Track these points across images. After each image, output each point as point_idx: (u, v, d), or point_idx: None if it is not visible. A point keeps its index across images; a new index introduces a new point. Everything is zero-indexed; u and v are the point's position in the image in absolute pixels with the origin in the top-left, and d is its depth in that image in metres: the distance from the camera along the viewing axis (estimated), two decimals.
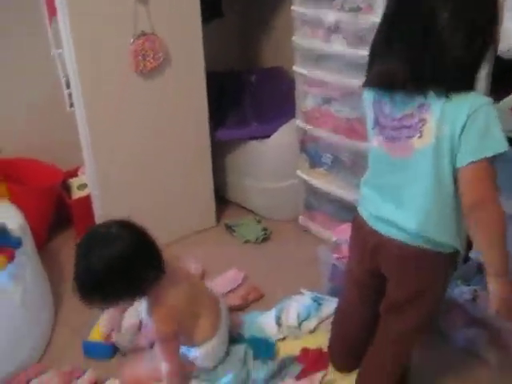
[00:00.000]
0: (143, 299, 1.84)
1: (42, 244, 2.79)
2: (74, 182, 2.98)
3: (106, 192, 2.60)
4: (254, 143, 2.98)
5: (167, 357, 1.84)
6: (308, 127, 2.72)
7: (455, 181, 1.46)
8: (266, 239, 2.92)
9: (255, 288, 2.49)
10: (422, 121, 1.45)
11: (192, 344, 1.96)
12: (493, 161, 1.41)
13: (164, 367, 1.84)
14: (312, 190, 2.87)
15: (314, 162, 2.82)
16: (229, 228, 3.01)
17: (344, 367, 2.01)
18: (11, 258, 2.08)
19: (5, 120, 2.83)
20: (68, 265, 2.74)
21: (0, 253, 2.04)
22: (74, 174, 3.04)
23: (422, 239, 1.54)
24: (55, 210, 2.94)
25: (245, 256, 2.78)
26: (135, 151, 2.61)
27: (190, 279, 2.02)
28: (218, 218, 3.08)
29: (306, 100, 2.72)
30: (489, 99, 1.43)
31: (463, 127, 1.39)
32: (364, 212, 1.69)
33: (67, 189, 2.97)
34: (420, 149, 1.47)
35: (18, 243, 2.16)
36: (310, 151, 2.83)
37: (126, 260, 1.70)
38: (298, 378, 1.96)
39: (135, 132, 2.58)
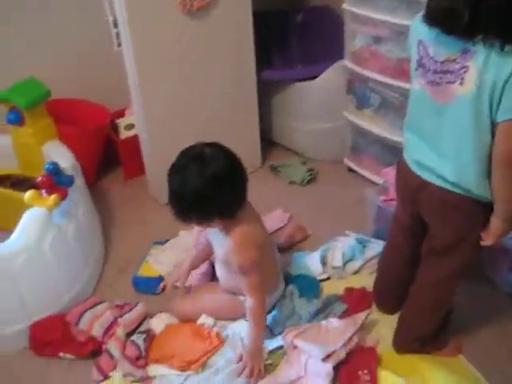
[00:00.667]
0: (223, 230, 1.87)
1: (92, 183, 2.86)
2: (122, 123, 3.01)
3: (152, 132, 2.62)
4: (300, 84, 2.94)
5: (255, 288, 1.85)
6: (356, 68, 2.67)
7: (493, 134, 1.44)
8: (311, 180, 2.92)
9: (301, 228, 2.52)
10: (465, 68, 1.42)
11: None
12: None
13: (249, 302, 1.86)
14: (358, 132, 2.84)
15: (362, 104, 2.78)
16: (274, 169, 3.02)
17: (388, 308, 2.05)
18: (64, 196, 2.14)
19: (54, 61, 2.87)
20: (116, 203, 2.84)
21: (54, 191, 2.10)
22: (121, 114, 3.07)
23: (460, 188, 1.56)
24: (104, 150, 2.99)
25: (290, 197, 2.79)
26: (182, 91, 2.61)
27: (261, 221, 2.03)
28: (264, 159, 3.09)
29: (355, 40, 2.65)
30: None
31: (507, 81, 1.35)
32: (407, 156, 1.70)
33: (115, 129, 3.02)
34: (460, 96, 1.45)
35: (70, 182, 2.21)
36: (357, 92, 2.78)
37: (222, 179, 1.75)
38: (342, 317, 2.00)
39: (182, 72, 2.57)
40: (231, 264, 1.87)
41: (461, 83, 1.44)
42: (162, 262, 2.29)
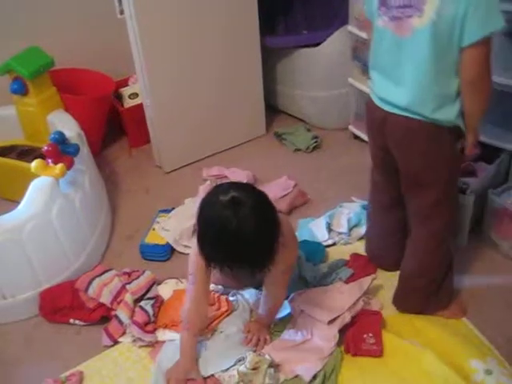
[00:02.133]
0: None
1: (97, 152, 2.86)
2: (126, 92, 3.01)
3: (156, 99, 2.62)
4: (304, 51, 2.92)
5: (284, 288, 1.83)
6: (361, 33, 2.64)
7: (454, 60, 1.54)
8: (316, 148, 2.92)
9: (302, 192, 2.53)
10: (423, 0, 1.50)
11: None
12: (490, 40, 1.50)
13: (276, 299, 1.84)
14: (363, 98, 2.82)
15: (367, 70, 2.75)
16: (279, 136, 3.01)
17: (384, 262, 2.10)
18: (70, 165, 2.15)
19: (58, 31, 2.85)
20: (122, 172, 2.85)
21: (60, 160, 2.11)
22: (125, 83, 3.07)
23: (421, 115, 1.63)
24: (108, 119, 2.99)
25: (295, 164, 2.79)
26: (186, 59, 2.60)
27: None
28: (268, 126, 3.08)
29: (359, 5, 2.61)
30: None
31: (468, 6, 1.44)
32: (373, 94, 1.79)
33: (119, 98, 3.01)
34: (419, 28, 1.53)
35: (76, 151, 2.22)
36: (362, 58, 2.75)
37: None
38: (348, 281, 2.01)
39: (185, 39, 2.55)
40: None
41: (419, 15, 1.51)
42: (168, 229, 2.30)
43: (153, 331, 1.92)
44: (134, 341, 1.91)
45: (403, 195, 1.88)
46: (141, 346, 1.90)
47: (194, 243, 1.62)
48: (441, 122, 1.64)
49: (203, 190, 2.20)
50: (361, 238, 2.26)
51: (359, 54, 2.75)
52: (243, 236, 1.46)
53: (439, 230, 1.83)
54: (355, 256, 2.15)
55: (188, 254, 2.21)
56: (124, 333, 1.93)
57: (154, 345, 1.90)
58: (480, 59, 1.52)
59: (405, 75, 1.63)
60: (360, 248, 2.21)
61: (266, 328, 1.89)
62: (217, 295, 1.97)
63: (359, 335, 1.81)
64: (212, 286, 2.01)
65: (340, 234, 2.26)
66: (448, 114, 1.63)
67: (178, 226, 2.30)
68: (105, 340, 1.92)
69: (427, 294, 1.91)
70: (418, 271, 1.89)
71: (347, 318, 1.84)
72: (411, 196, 1.84)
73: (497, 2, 1.48)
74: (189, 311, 1.76)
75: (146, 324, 1.92)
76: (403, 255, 1.93)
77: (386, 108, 1.71)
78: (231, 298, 1.99)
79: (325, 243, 2.24)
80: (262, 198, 1.55)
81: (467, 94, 1.59)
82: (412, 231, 1.90)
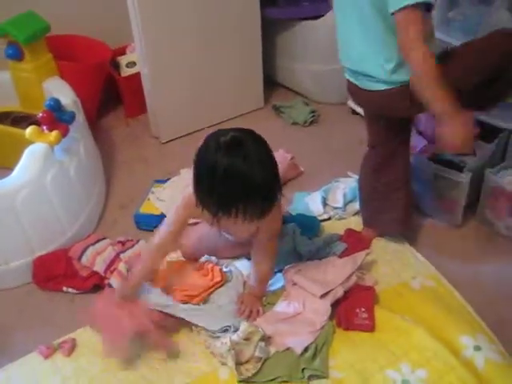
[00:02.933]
0: None
1: (93, 121, 2.84)
2: (123, 60, 2.97)
3: (154, 68, 2.59)
4: (305, 23, 2.88)
5: (272, 256, 1.85)
6: None
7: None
8: (313, 122, 2.90)
9: (294, 165, 2.52)
10: None
11: None
12: (419, 11, 1.55)
13: (263, 268, 1.85)
14: None
15: None
16: (277, 110, 2.99)
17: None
18: (65, 133, 2.13)
19: None
20: (118, 141, 2.83)
21: (55, 127, 2.09)
22: (122, 51, 3.03)
23: (367, 79, 1.76)
24: (105, 88, 2.95)
25: (292, 138, 2.78)
26: (184, 28, 2.56)
27: None
28: (267, 99, 3.05)
29: None
30: None
31: None
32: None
33: (116, 67, 2.97)
34: None
35: (71, 118, 2.20)
36: None
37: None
38: (341, 256, 2.01)
39: (184, 7, 2.51)
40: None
41: None
42: (162, 199, 2.30)
43: None
44: None
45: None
46: None
47: (184, 193, 1.69)
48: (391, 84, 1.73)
49: None
50: (356, 214, 2.26)
51: None
52: (243, 173, 1.47)
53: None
54: (349, 231, 2.15)
55: None
56: None
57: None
58: (404, 26, 1.56)
59: (357, 39, 1.74)
60: (354, 223, 2.21)
61: (259, 300, 1.90)
62: (210, 266, 1.96)
63: (351, 310, 1.82)
64: (205, 257, 2.02)
65: (335, 208, 2.26)
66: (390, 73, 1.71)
67: (173, 197, 2.29)
68: None
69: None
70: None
71: (340, 292, 1.85)
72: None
73: None
74: (152, 250, 1.83)
75: None
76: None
77: (353, 79, 1.85)
78: (225, 270, 1.99)
79: (320, 218, 2.23)
80: (262, 140, 1.58)
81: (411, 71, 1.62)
82: None
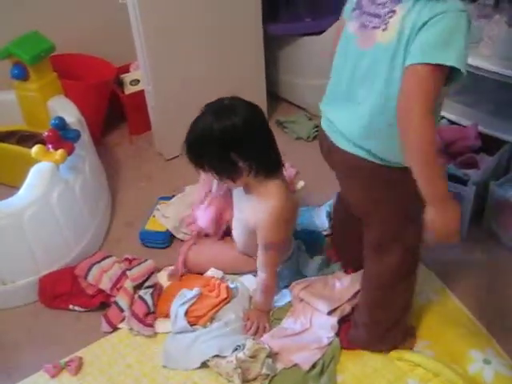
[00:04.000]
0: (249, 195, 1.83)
1: (98, 139, 2.85)
2: (127, 78, 2.99)
3: (158, 86, 2.60)
4: (307, 39, 2.89)
5: (271, 265, 1.84)
6: None
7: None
8: (317, 136, 2.90)
9: (290, 181, 2.49)
10: (391, 12, 1.31)
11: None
12: (442, 76, 1.26)
13: (262, 276, 1.85)
14: None
15: None
16: (280, 124, 3.00)
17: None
18: (71, 151, 2.14)
19: (58, 16, 2.82)
20: (122, 158, 2.84)
21: (60, 146, 2.10)
22: (126, 69, 3.05)
23: (363, 150, 1.44)
24: (109, 106, 2.97)
25: (296, 153, 2.77)
26: (187, 45, 2.58)
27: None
28: (270, 114, 3.06)
29: None
30: (466, 7, 1.27)
31: (424, 24, 1.25)
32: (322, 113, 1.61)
33: (120, 85, 2.99)
34: (381, 42, 1.33)
35: (76, 136, 2.21)
36: None
37: (252, 124, 1.71)
38: (348, 272, 2.01)
39: (187, 24, 2.53)
40: (253, 233, 1.84)
41: (384, 29, 1.32)
42: (167, 216, 2.30)
43: (152, 323, 1.91)
44: (134, 335, 1.90)
45: None
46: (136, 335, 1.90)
47: None
48: (385, 161, 1.43)
49: (204, 178, 2.20)
50: None
51: None
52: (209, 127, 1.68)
53: (391, 268, 1.62)
54: None
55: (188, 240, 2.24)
56: (123, 319, 1.93)
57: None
58: (414, 85, 1.27)
59: (359, 95, 1.41)
60: None
61: (266, 315, 1.89)
62: (217, 282, 1.96)
63: None
64: (211, 271, 2.03)
65: None
66: (391, 153, 1.41)
67: (177, 213, 2.29)
68: (104, 327, 1.92)
69: (375, 332, 1.75)
70: (366, 307, 1.73)
71: (347, 309, 1.84)
72: (362, 225, 1.65)
73: (464, 35, 1.25)
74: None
75: (146, 315, 1.92)
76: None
77: (331, 136, 1.54)
78: (231, 286, 1.98)
79: (325, 232, 2.23)
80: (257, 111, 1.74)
81: (399, 131, 1.32)
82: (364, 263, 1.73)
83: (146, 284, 2.02)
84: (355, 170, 1.51)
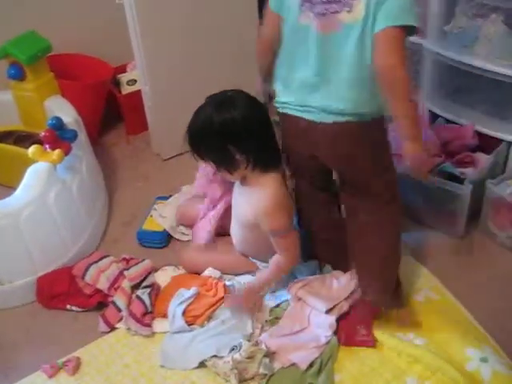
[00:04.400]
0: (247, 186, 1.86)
1: (95, 139, 2.85)
2: (124, 78, 2.99)
3: (155, 86, 2.60)
4: None
5: (288, 248, 1.85)
6: None
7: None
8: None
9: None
10: None
11: (264, 260, 1.99)
12: (406, 34, 1.50)
13: (279, 258, 1.86)
14: None
15: None
16: (277, 125, 2.99)
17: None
18: (68, 151, 2.14)
19: (55, 16, 2.82)
20: (119, 158, 2.84)
21: (57, 146, 2.10)
22: (123, 69, 3.05)
23: (348, 115, 1.62)
24: (106, 106, 2.97)
25: None
26: (184, 45, 2.58)
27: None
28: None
29: None
30: None
31: None
32: (285, 106, 1.77)
33: (117, 85, 2.99)
34: (349, 22, 1.52)
35: (73, 136, 2.21)
36: None
37: (251, 118, 1.75)
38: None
39: (184, 24, 2.53)
40: (254, 227, 1.85)
41: (349, 10, 1.51)
42: (165, 216, 2.30)
43: (150, 323, 1.91)
44: (132, 335, 1.91)
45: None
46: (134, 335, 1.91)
47: None
48: (364, 117, 1.63)
49: (200, 176, 2.22)
50: None
51: None
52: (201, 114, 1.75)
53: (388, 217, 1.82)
54: None
55: (185, 240, 2.26)
56: (121, 319, 1.93)
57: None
58: (391, 45, 1.49)
59: (331, 75, 1.60)
60: None
61: (256, 294, 1.91)
62: (214, 281, 1.96)
63: (352, 326, 1.82)
64: (209, 271, 2.03)
65: None
66: (370, 107, 1.62)
67: (174, 214, 2.29)
68: (102, 326, 1.92)
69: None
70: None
71: (345, 307, 1.85)
72: (349, 196, 1.86)
73: (413, 2, 1.50)
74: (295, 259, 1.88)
75: (144, 315, 1.91)
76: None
77: (310, 117, 1.67)
78: (228, 283, 1.98)
79: None
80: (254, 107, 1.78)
81: (382, 87, 1.54)
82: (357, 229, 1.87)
83: (144, 284, 2.02)
84: (339, 135, 1.66)
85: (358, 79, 1.58)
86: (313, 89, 1.65)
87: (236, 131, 1.71)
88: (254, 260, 2.03)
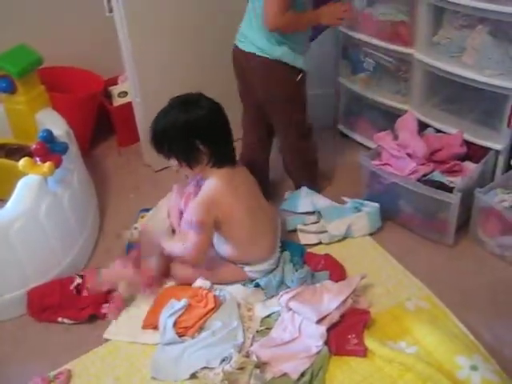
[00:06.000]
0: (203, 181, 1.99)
1: (86, 151, 2.86)
2: (115, 90, 3.00)
3: (146, 97, 2.61)
4: None
5: (195, 246, 1.93)
6: (350, 32, 2.65)
7: None
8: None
9: None
10: None
11: (246, 262, 2.05)
12: None
13: (185, 251, 1.95)
14: (353, 97, 2.84)
15: (356, 68, 2.77)
16: None
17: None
18: (59, 164, 2.14)
19: (46, 29, 2.84)
20: (111, 170, 2.85)
21: (48, 159, 2.10)
22: (114, 82, 3.06)
23: (261, 50, 2.10)
24: (97, 118, 2.98)
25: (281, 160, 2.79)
26: (175, 56, 2.60)
27: (252, 192, 2.08)
28: None
29: (351, 4, 2.62)
30: None
31: None
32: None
33: (108, 97, 3.01)
34: None
35: (64, 149, 2.21)
36: (351, 57, 2.77)
37: (195, 125, 1.90)
38: (335, 281, 2.02)
39: (175, 36, 2.55)
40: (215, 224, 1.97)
41: None
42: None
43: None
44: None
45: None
46: (130, 343, 1.91)
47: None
48: (279, 57, 2.08)
49: (177, 189, 2.28)
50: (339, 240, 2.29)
51: (348, 52, 2.77)
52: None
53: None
54: (327, 257, 2.17)
55: None
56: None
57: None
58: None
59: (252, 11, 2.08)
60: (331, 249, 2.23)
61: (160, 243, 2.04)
62: (205, 292, 1.97)
63: (343, 335, 1.82)
64: (199, 282, 2.03)
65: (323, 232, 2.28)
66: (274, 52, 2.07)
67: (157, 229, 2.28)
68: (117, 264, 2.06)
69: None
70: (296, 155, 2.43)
71: (336, 316, 1.85)
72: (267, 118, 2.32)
73: None
74: (195, 257, 1.97)
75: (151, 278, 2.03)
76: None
77: (242, 46, 2.16)
78: (218, 294, 1.99)
79: (310, 242, 2.27)
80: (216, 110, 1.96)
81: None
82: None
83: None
84: (260, 66, 2.15)
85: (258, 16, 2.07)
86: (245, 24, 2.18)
87: (201, 126, 1.90)
88: (240, 265, 2.06)
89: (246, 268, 2.05)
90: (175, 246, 2.01)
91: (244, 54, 2.16)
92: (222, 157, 1.96)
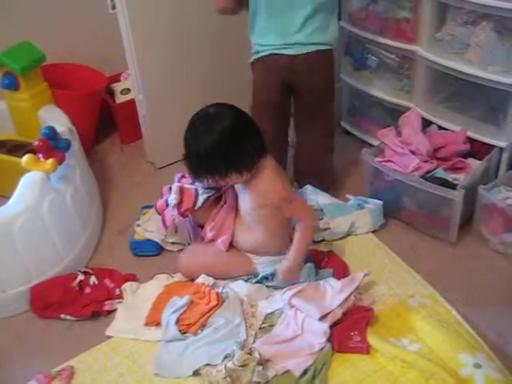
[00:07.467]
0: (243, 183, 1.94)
1: (89, 148, 2.86)
2: (118, 87, 3.00)
3: (148, 95, 2.61)
4: None
5: (304, 209, 1.96)
6: (353, 29, 2.64)
7: None
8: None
9: None
10: None
11: (267, 251, 2.04)
12: None
13: (300, 224, 1.94)
14: (356, 94, 2.83)
15: (359, 65, 2.76)
16: None
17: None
18: (61, 160, 2.14)
19: (49, 26, 2.83)
20: (114, 167, 2.85)
21: (51, 155, 2.10)
22: (117, 79, 3.06)
23: (321, 45, 2.14)
24: (100, 115, 2.98)
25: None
26: (179, 54, 2.60)
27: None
28: None
29: (352, 0, 2.62)
30: None
31: None
32: (266, 49, 2.18)
33: (111, 94, 3.00)
34: None
35: (67, 146, 2.21)
36: (354, 54, 2.76)
37: (232, 133, 1.83)
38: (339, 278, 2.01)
39: (178, 33, 2.55)
40: (261, 212, 1.94)
41: None
42: (151, 230, 2.29)
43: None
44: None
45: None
46: (133, 340, 1.90)
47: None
48: (331, 45, 2.19)
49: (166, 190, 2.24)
50: (340, 238, 2.28)
51: (352, 49, 2.76)
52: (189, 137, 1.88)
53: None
54: (330, 255, 2.17)
55: (176, 250, 2.25)
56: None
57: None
58: None
59: (299, 11, 2.07)
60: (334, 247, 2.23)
61: (295, 272, 1.97)
62: (207, 289, 1.96)
63: (346, 333, 1.82)
64: (202, 277, 2.03)
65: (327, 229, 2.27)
66: (332, 37, 2.19)
67: (158, 228, 2.27)
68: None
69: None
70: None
71: (338, 314, 1.85)
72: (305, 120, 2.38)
73: None
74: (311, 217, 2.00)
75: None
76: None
77: (292, 52, 2.12)
78: (221, 290, 1.98)
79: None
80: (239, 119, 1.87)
81: None
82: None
83: None
84: (320, 60, 2.19)
85: (321, 17, 2.16)
86: (287, 28, 2.15)
87: (236, 130, 1.84)
88: (249, 254, 2.05)
89: (261, 259, 2.04)
90: (298, 242, 1.96)
91: (297, 57, 2.15)
92: (263, 145, 1.92)
